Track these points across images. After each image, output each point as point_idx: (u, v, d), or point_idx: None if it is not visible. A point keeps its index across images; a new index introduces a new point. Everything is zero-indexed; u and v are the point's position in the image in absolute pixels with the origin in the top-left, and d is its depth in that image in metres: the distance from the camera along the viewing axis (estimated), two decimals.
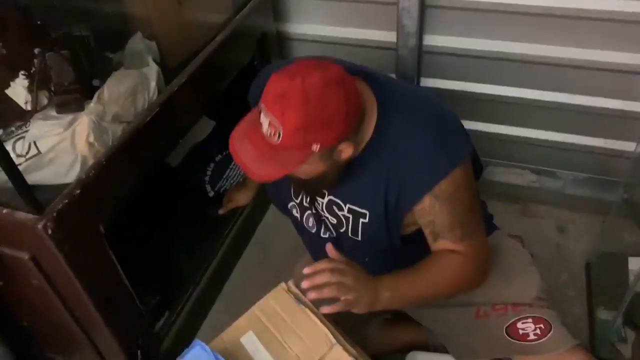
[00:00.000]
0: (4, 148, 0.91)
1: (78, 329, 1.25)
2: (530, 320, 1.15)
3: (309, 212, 1.16)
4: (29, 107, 1.11)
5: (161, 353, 1.44)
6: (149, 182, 1.45)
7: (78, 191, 1.05)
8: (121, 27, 1.34)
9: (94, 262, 1.15)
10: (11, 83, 1.10)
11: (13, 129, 1.14)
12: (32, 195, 0.99)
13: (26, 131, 1.10)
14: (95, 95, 1.14)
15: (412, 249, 1.11)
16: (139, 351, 1.32)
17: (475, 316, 1.20)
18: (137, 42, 1.34)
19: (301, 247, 1.35)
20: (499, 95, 1.70)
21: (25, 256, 1.08)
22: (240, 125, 0.97)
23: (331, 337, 0.95)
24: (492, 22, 1.57)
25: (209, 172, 1.88)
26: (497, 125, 1.80)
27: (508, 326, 1.15)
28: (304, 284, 0.93)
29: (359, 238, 1.11)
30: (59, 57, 1.05)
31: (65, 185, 1.08)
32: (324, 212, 1.13)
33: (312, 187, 1.08)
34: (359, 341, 1.03)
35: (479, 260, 1.09)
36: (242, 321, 0.98)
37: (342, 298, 0.92)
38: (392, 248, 1.11)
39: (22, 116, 1.13)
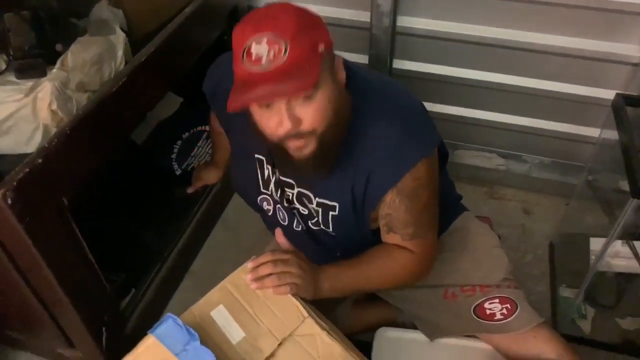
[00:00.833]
0: None
1: (40, 307, 1.20)
2: (497, 300, 1.17)
3: (279, 205, 1.13)
4: None
5: (127, 331, 1.40)
6: (116, 159, 1.40)
7: (40, 160, 1.00)
8: None
9: (57, 236, 1.10)
10: None
11: None
12: None
13: None
14: (59, 61, 1.09)
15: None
16: (103, 329, 1.28)
17: (443, 297, 1.22)
18: (102, 9, 1.29)
19: None
20: (469, 79, 1.72)
21: None
22: (235, 89, 0.87)
23: (303, 310, 0.94)
24: (465, 5, 1.57)
25: (175, 150, 1.84)
26: (466, 109, 1.82)
27: (475, 306, 1.18)
28: (248, 277, 0.95)
29: (331, 230, 1.11)
30: (19, 19, 0.99)
31: (26, 155, 1.03)
32: (295, 202, 1.11)
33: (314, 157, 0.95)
34: (330, 320, 1.03)
35: (424, 259, 1.09)
36: (213, 295, 0.96)
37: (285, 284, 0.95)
38: (364, 241, 1.11)
39: None
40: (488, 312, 1.17)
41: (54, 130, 1.08)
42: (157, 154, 1.82)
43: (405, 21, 1.66)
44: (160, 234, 1.64)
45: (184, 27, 1.41)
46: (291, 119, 0.86)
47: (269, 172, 1.10)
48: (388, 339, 1.25)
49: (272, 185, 1.11)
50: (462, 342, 1.20)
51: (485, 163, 1.91)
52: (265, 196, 1.15)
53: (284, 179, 1.09)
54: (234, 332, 0.92)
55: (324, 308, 1.04)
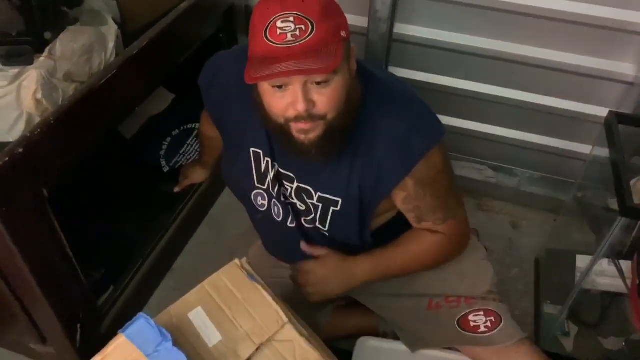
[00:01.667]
0: None
1: (13, 299, 1.17)
2: (481, 312, 1.17)
3: (274, 199, 1.12)
4: None
5: (103, 328, 1.37)
6: (102, 152, 1.38)
7: (21, 150, 0.97)
8: None
9: (35, 227, 1.07)
10: None
11: None
12: None
13: None
14: (47, 50, 1.06)
15: (375, 247, 1.14)
16: (78, 325, 1.25)
17: (427, 307, 1.21)
18: None
19: None
20: (463, 90, 1.71)
21: None
22: (254, 63, 0.86)
23: (283, 315, 0.92)
24: (462, 16, 1.57)
25: (164, 147, 1.82)
26: (458, 120, 1.81)
27: (460, 318, 1.17)
28: None
29: (326, 229, 1.10)
30: (7, 4, 0.97)
31: (6, 144, 1.00)
32: (292, 198, 1.10)
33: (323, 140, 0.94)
34: (310, 325, 1.02)
35: (458, 237, 1.15)
36: (191, 296, 0.94)
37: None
38: (359, 243, 1.11)
39: None
40: (472, 324, 1.16)
41: (37, 119, 1.06)
42: (146, 150, 1.80)
43: (403, 29, 1.65)
44: (143, 230, 1.62)
45: (179, 23, 1.39)
46: (306, 100, 0.87)
47: (266, 165, 1.09)
48: (369, 348, 1.23)
49: (269, 179, 1.10)
50: (443, 355, 1.19)
51: (475, 175, 1.91)
52: (260, 191, 1.13)
53: (283, 171, 1.07)
54: (211, 335, 0.90)
55: (305, 312, 1.03)
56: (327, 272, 1.16)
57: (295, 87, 0.86)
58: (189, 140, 1.85)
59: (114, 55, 1.22)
